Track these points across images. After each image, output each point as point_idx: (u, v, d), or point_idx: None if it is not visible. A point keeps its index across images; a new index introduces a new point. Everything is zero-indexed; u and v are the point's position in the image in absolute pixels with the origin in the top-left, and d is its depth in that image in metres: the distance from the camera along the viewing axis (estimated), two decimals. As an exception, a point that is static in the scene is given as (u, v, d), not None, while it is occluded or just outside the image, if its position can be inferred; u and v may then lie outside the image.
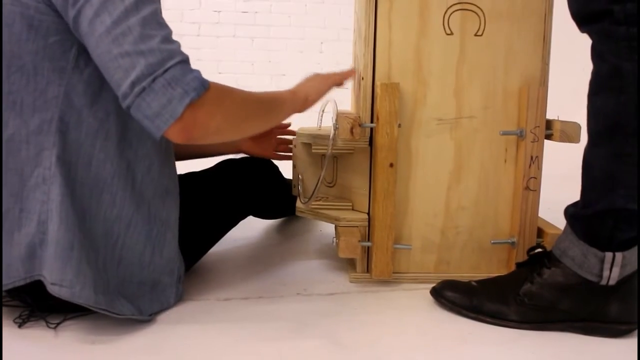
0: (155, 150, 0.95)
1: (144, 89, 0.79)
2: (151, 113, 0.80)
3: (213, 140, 0.87)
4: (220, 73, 3.63)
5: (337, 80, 1.14)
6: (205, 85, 0.82)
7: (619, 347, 0.89)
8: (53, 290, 0.84)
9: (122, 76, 0.80)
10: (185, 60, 0.83)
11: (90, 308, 0.86)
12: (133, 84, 0.79)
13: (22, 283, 0.87)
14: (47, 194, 0.86)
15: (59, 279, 0.84)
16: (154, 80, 0.79)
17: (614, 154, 0.86)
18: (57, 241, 0.84)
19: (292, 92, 1.06)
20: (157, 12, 0.84)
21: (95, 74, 0.86)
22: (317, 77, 1.13)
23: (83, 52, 0.85)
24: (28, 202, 0.87)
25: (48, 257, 0.85)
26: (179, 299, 1.02)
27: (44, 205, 0.86)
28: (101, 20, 0.79)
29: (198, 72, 0.83)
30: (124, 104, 0.81)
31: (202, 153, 1.39)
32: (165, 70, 0.80)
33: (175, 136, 0.82)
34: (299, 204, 1.23)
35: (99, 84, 0.87)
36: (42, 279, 0.85)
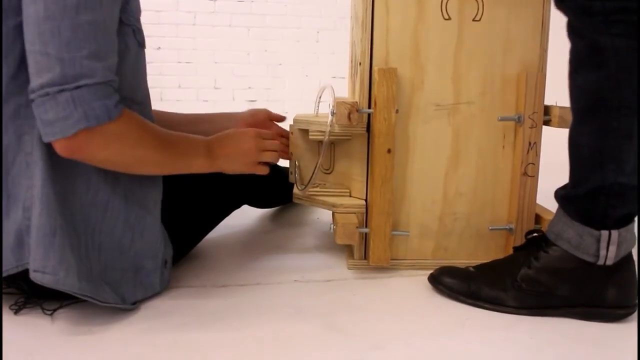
0: None
1: (47, 95, 0.78)
2: (45, 119, 0.79)
3: (99, 166, 0.87)
4: (216, 62, 3.62)
5: (262, 167, 1.05)
6: (110, 116, 0.81)
7: (617, 332, 0.89)
8: (36, 277, 0.82)
9: (35, 73, 0.79)
10: (104, 83, 0.81)
11: (75, 295, 0.85)
12: (41, 86, 0.78)
13: (14, 272, 0.85)
14: (31, 179, 0.84)
15: (42, 265, 0.82)
16: (60, 91, 0.77)
17: (600, 130, 0.86)
18: (38, 227, 0.83)
19: (210, 156, 0.98)
20: (97, 23, 0.80)
21: None
22: (245, 147, 1.02)
23: None
24: (14, 189, 0.85)
25: (32, 243, 0.83)
26: (166, 284, 1.01)
27: (29, 191, 0.85)
28: (35, 8, 0.77)
29: (113, 99, 0.82)
30: (29, 96, 0.80)
31: None
32: (77, 87, 0.78)
33: (59, 149, 0.81)
34: (296, 190, 1.22)
35: None
36: (27, 266, 0.84)
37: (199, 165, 0.96)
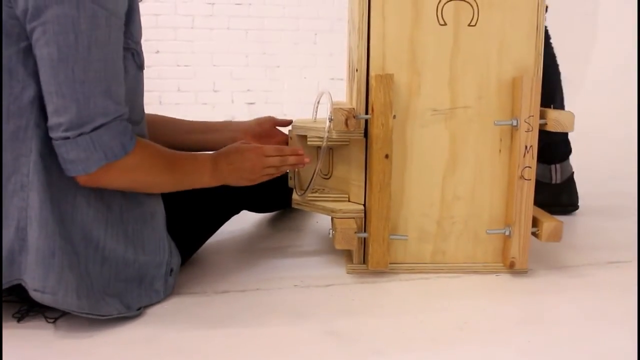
0: None
1: (67, 139, 0.82)
2: (67, 158, 0.84)
3: (115, 189, 0.93)
4: (214, 65, 3.63)
5: (266, 177, 1.07)
6: (126, 150, 0.86)
7: (617, 333, 0.89)
8: (35, 296, 0.84)
9: (53, 112, 0.83)
10: (118, 119, 0.86)
11: (74, 313, 0.87)
12: (60, 126, 0.82)
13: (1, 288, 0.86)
14: (26, 200, 0.85)
15: (41, 285, 0.84)
16: (80, 134, 0.82)
17: None
18: (37, 249, 0.84)
19: (216, 172, 1.01)
20: (107, 59, 0.84)
21: None
22: (250, 164, 1.04)
23: None
24: (6, 208, 0.86)
25: (29, 264, 0.84)
26: (170, 292, 1.02)
27: (23, 212, 0.85)
28: (49, 51, 0.80)
29: (127, 134, 0.87)
30: (50, 133, 0.84)
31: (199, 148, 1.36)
32: (94, 129, 0.83)
33: (79, 180, 0.87)
34: (295, 196, 1.23)
35: None
36: (22, 283, 0.85)
37: (206, 182, 1.01)
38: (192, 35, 3.60)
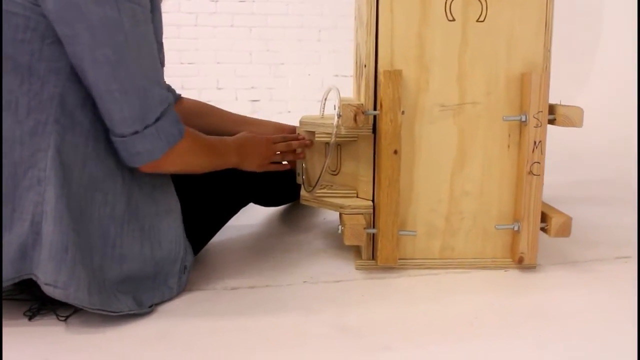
0: None
1: (137, 133, 0.87)
2: (134, 151, 0.89)
3: (168, 173, 1.01)
4: (218, 63, 3.63)
5: (272, 165, 1.22)
6: (182, 135, 0.92)
7: (624, 335, 0.90)
8: (47, 290, 0.85)
9: (118, 110, 0.86)
10: (171, 104, 0.92)
11: (85, 309, 0.87)
12: (125, 122, 0.86)
13: (9, 283, 0.86)
14: (42, 195, 0.85)
15: (53, 280, 0.84)
16: (145, 127, 0.88)
17: None
18: (50, 243, 0.84)
19: (238, 155, 1.13)
20: (152, 51, 0.89)
21: None
22: (261, 148, 1.18)
23: None
24: (21, 202, 0.86)
25: (42, 258, 0.85)
26: (182, 288, 1.03)
27: (38, 207, 0.86)
28: (104, 52, 0.83)
29: (180, 120, 0.93)
30: (113, 132, 0.88)
31: None
32: (156, 119, 0.89)
33: (143, 169, 0.93)
34: (303, 192, 1.23)
35: None
36: (34, 278, 0.86)
37: (233, 162, 1.11)
38: (195, 33, 3.60)
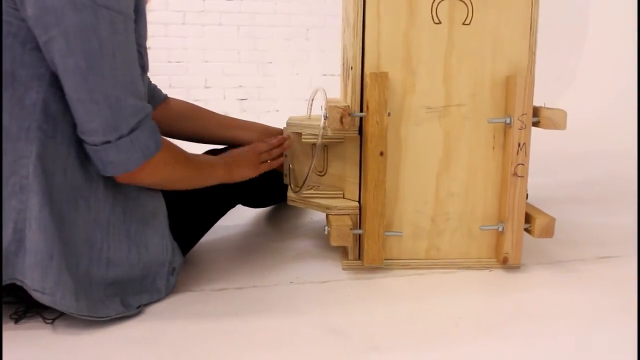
0: None
1: (108, 142, 0.85)
2: (107, 160, 0.87)
3: (146, 186, 0.98)
4: (206, 62, 3.62)
5: (265, 165, 1.20)
6: (158, 147, 0.91)
7: (615, 338, 0.91)
8: (36, 296, 0.85)
9: (86, 119, 0.85)
10: (148, 115, 0.90)
11: (72, 315, 0.87)
12: (96, 132, 0.85)
13: None
14: (25, 202, 0.85)
15: (40, 286, 0.84)
16: (119, 137, 0.86)
17: None
18: (36, 251, 0.84)
19: (226, 167, 1.11)
20: (129, 59, 0.87)
21: None
22: (248, 156, 1.17)
23: None
24: (3, 209, 0.85)
25: (28, 265, 0.84)
26: (170, 290, 1.03)
27: (21, 214, 0.85)
28: (75, 60, 0.82)
29: (157, 131, 0.92)
30: (85, 141, 0.87)
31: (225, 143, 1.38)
32: (131, 130, 0.87)
33: (118, 179, 0.92)
34: (290, 193, 1.24)
35: None
36: (18, 283, 0.85)
37: (219, 176, 1.09)
38: (183, 32, 3.59)
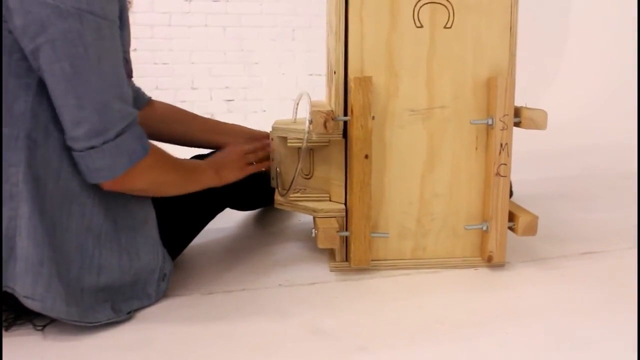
0: None
1: (93, 148, 0.85)
2: (93, 167, 0.87)
3: (135, 194, 0.97)
4: (192, 63, 3.61)
5: (251, 167, 1.21)
6: (145, 152, 0.91)
7: (603, 335, 0.93)
8: (26, 302, 0.86)
9: (73, 125, 0.85)
10: (134, 120, 0.90)
11: (63, 321, 0.88)
12: (82, 137, 0.85)
13: None
14: (15, 210, 0.86)
15: (31, 292, 0.85)
16: (104, 142, 0.86)
17: None
18: (26, 257, 0.85)
19: (214, 170, 1.12)
20: (116, 64, 0.88)
21: None
22: (233, 157, 1.19)
23: None
24: None
25: (18, 272, 0.85)
26: (161, 296, 1.04)
27: (12, 222, 0.86)
28: (62, 67, 0.82)
29: (144, 136, 0.92)
30: (70, 145, 0.87)
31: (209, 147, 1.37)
32: (117, 135, 0.87)
33: (105, 186, 0.91)
34: (277, 196, 1.25)
35: None
36: (9, 290, 0.86)
37: (208, 179, 1.10)
38: (169, 33, 3.58)
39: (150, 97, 1.30)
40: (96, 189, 0.92)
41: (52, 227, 0.88)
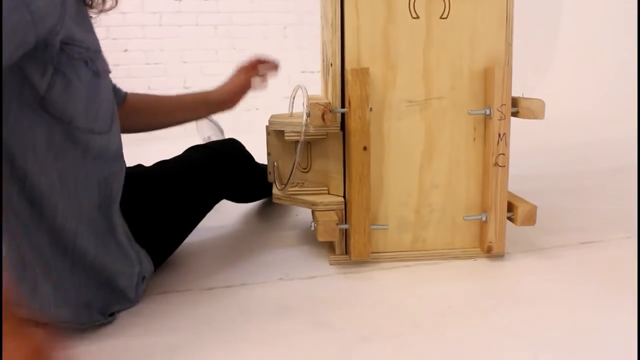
0: (80, 163, 0.89)
1: None
2: None
3: None
4: (184, 62, 3.60)
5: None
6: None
7: (605, 322, 0.93)
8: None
9: None
10: None
11: (53, 323, 0.87)
12: None
13: None
14: None
15: (16, 298, 0.81)
16: None
17: None
18: (8, 261, 0.83)
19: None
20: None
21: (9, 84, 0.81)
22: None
23: None
24: None
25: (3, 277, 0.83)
26: (141, 296, 1.01)
27: None
28: None
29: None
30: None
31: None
32: None
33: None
34: (275, 190, 1.25)
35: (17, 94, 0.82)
36: None
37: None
38: (160, 33, 3.57)
39: (126, 93, 1.20)
40: (66, 189, 0.87)
41: (27, 229, 0.85)
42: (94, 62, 0.91)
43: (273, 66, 1.32)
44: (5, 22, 0.71)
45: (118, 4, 0.99)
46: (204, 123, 2.24)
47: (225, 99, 1.31)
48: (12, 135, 0.82)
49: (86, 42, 0.89)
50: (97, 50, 0.93)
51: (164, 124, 1.28)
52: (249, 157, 1.40)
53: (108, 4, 0.99)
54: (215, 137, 2.14)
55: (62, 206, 0.87)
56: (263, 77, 1.32)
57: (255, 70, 1.32)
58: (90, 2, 0.95)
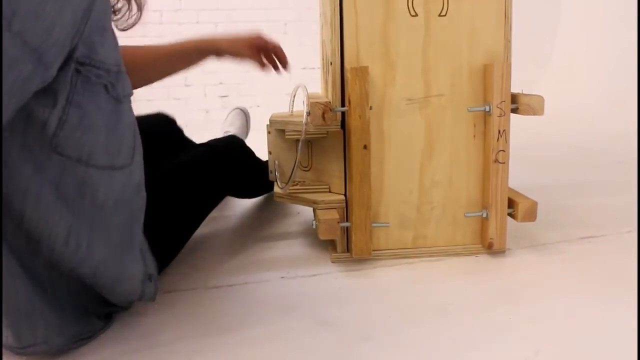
0: (95, 215, 0.79)
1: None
2: None
3: None
4: (185, 60, 3.60)
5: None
6: None
7: (605, 316, 0.94)
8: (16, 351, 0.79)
9: None
10: None
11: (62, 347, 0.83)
12: None
13: None
14: None
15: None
16: None
17: None
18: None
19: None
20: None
21: None
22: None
23: None
24: None
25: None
26: (151, 296, 0.96)
27: None
28: None
29: None
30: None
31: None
32: None
33: None
34: (276, 189, 1.25)
35: None
36: None
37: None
38: (161, 31, 3.57)
39: None
40: (64, 200, 0.75)
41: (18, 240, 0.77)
42: (114, 86, 0.77)
43: (284, 62, 1.35)
44: (5, 80, 0.60)
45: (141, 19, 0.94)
46: (236, 118, 2.23)
47: (231, 42, 1.31)
48: (9, 183, 0.70)
49: (107, 62, 0.75)
50: (119, 71, 0.78)
51: (145, 80, 1.28)
52: (250, 152, 1.41)
53: (133, 19, 0.92)
54: (233, 132, 2.11)
55: (69, 254, 0.78)
56: (267, 65, 1.35)
57: (269, 53, 1.34)
58: (116, 11, 0.87)
